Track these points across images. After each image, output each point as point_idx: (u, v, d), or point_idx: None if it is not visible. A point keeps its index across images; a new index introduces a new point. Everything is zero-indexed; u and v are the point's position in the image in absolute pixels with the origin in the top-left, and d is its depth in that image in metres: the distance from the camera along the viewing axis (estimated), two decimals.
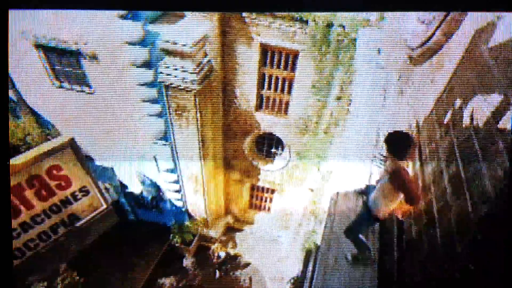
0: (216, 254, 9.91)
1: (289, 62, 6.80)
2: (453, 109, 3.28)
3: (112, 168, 9.32)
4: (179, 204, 10.10)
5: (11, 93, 7.76)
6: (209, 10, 5.80)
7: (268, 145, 8.80)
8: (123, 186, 9.99)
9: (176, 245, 10.19)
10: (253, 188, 10.00)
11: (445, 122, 3.41)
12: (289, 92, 7.26)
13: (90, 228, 4.94)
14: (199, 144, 7.82)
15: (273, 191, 9.76)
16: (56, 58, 7.15)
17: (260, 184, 9.56)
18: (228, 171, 9.61)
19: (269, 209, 10.45)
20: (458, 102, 3.19)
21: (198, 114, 7.10)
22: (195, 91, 6.54)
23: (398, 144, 3.00)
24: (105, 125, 8.00)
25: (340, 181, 5.50)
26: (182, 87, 6.53)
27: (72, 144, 4.51)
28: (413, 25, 4.39)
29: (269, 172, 9.04)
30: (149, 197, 10.21)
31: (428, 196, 3.21)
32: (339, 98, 6.43)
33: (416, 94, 4.60)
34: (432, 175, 3.31)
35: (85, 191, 4.74)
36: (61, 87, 7.58)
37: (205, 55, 6.65)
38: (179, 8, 5.23)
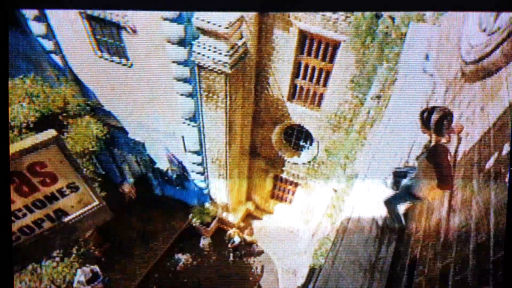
0: (231, 239, 9.71)
1: (328, 53, 6.24)
2: (498, 156, 2.73)
3: (143, 143, 9.25)
4: (202, 185, 9.96)
5: (58, 59, 7.76)
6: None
7: (297, 137, 8.34)
8: (152, 162, 9.95)
9: (195, 224, 10.08)
10: (276, 178, 9.62)
11: (486, 168, 2.91)
12: (325, 84, 6.72)
13: (80, 223, 4.73)
14: (226, 128, 7.50)
15: (296, 185, 9.33)
16: (99, 28, 7.05)
17: (284, 175, 9.15)
18: (253, 159, 9.27)
19: (290, 201, 10.06)
20: (507, 148, 2.64)
21: (228, 98, 6.74)
22: (227, 74, 6.18)
23: (434, 119, 3.00)
24: (140, 100, 7.85)
25: (364, 188, 5.01)
26: (214, 69, 6.18)
27: (58, 142, 4.18)
28: (472, 31, 3.75)
29: (294, 165, 8.60)
30: (174, 176, 10.12)
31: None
32: (378, 97, 5.82)
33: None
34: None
35: (73, 188, 4.49)
36: (102, 57, 7.50)
37: (241, 37, 6.24)
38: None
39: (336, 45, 5.98)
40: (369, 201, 4.41)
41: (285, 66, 6.73)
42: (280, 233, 10.12)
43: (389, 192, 3.82)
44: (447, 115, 3.02)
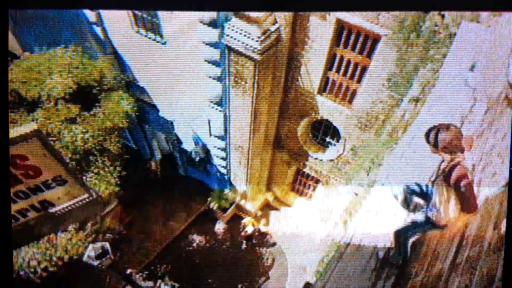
0: (245, 227, 9.59)
1: (367, 47, 5.76)
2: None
3: (172, 122, 9.24)
4: (223, 171, 9.85)
5: (99, 31, 7.78)
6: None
7: (324, 132, 7.95)
8: (179, 141, 9.95)
9: (213, 208, 10.04)
10: (298, 172, 9.30)
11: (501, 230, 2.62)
12: (360, 80, 6.26)
13: (67, 215, 4.64)
14: (251, 116, 7.25)
15: (318, 181, 8.98)
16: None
17: (306, 170, 8.82)
18: (277, 150, 8.99)
19: (310, 196, 9.74)
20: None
21: (255, 86, 6.46)
22: (256, 60, 5.88)
23: (441, 138, 2.82)
24: (171, 78, 7.76)
25: (376, 203, 4.62)
26: (244, 54, 5.90)
27: (38, 135, 4.01)
28: None
29: (318, 161, 8.24)
30: (197, 158, 10.08)
31: None
32: (416, 101, 5.31)
33: (498, 147, 3.50)
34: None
35: (60, 181, 4.37)
36: (138, 32, 7.44)
37: (274, 22, 5.89)
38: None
39: (376, 39, 5.50)
40: (376, 223, 4.06)
41: (319, 57, 6.33)
42: (296, 228, 9.87)
43: (401, 217, 3.47)
44: (456, 133, 2.83)
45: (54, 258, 5.65)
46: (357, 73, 6.21)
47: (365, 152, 6.77)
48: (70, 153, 6.44)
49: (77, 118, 6.89)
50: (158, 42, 7.36)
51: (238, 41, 5.78)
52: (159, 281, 8.79)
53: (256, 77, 6.27)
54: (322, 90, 6.87)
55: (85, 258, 4.84)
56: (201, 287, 8.80)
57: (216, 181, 10.39)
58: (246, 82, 6.51)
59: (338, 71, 6.44)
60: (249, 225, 9.51)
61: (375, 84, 5.91)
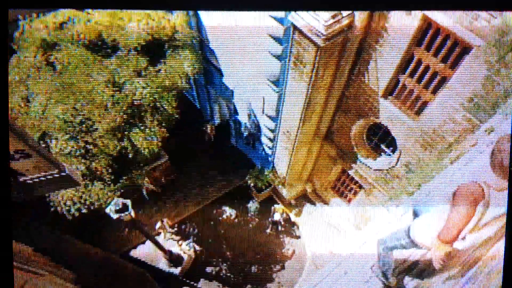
0: (274, 213, 9.26)
1: (453, 55, 4.73)
2: None
3: (232, 91, 9.02)
4: (268, 151, 9.50)
5: None
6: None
7: (380, 138, 7.07)
8: (235, 111, 9.77)
9: (249, 185, 9.83)
10: (343, 172, 8.57)
11: None
12: (435, 91, 5.27)
13: (37, 186, 4.48)
14: (304, 104, 6.64)
15: (360, 187, 8.18)
16: None
17: (351, 173, 8.06)
18: (326, 144, 8.31)
19: (350, 200, 9.00)
20: None
21: (314, 73, 5.80)
22: (319, 46, 5.19)
23: None
24: (237, 46, 7.41)
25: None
26: (307, 36, 5.24)
27: None
28: None
29: (366, 166, 7.43)
30: (246, 133, 9.84)
31: None
32: (491, 130, 4.25)
33: None
34: None
35: (23, 154, 4.16)
36: None
37: None
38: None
39: (466, 48, 4.46)
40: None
41: (393, 55, 5.42)
42: (326, 227, 9.29)
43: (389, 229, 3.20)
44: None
45: (88, 203, 5.90)
46: (434, 83, 5.20)
47: (419, 172, 5.85)
48: (125, 106, 6.47)
49: (142, 71, 6.88)
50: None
51: (304, 20, 5.12)
52: (182, 241, 8.98)
53: (316, 64, 5.60)
54: (388, 92, 5.97)
55: (107, 210, 4.94)
56: (218, 257, 8.82)
57: (260, 159, 10.10)
58: (304, 67, 5.87)
59: (412, 75, 5.48)
60: (277, 212, 9.15)
61: (452, 101, 4.90)
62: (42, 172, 4.20)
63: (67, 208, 5.82)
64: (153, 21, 7.39)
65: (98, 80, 6.43)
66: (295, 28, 5.45)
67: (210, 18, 7.57)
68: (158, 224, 8.98)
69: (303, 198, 10.10)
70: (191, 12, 7.87)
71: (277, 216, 9.09)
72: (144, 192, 9.34)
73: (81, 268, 7.85)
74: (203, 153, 10.41)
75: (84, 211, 5.93)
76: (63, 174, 4.42)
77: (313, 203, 9.93)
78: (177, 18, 7.77)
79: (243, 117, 9.57)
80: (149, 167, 9.27)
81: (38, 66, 6.64)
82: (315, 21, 5.00)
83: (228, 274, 8.42)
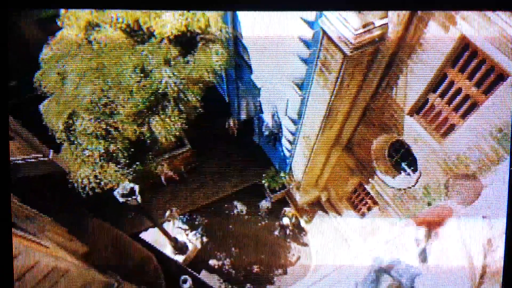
0: (282, 216, 9.15)
1: (487, 80, 4.40)
2: None
3: (260, 88, 8.99)
4: (287, 154, 9.38)
5: None
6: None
7: (402, 156, 6.76)
8: (260, 109, 9.74)
9: (264, 184, 9.76)
10: (360, 185, 8.30)
11: None
12: (464, 116, 4.95)
13: (21, 168, 4.51)
14: (325, 111, 6.46)
15: (375, 202, 7.90)
16: None
17: (368, 187, 7.79)
18: (345, 154, 8.08)
19: (363, 214, 8.72)
20: None
21: (338, 81, 5.61)
22: (346, 54, 5.00)
23: None
24: (267, 44, 7.33)
25: None
26: (335, 43, 5.06)
27: None
28: None
29: (383, 183, 7.15)
30: (266, 132, 9.78)
31: None
32: None
33: None
34: None
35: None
36: None
37: (385, 16, 4.86)
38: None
39: (502, 75, 4.12)
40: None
41: (425, 72, 5.13)
42: (335, 238, 9.06)
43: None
44: None
45: (102, 184, 6.07)
46: (465, 107, 4.88)
47: (437, 196, 5.54)
48: (149, 93, 6.55)
49: (172, 61, 6.94)
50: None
51: (334, 26, 4.94)
52: (190, 231, 9.08)
53: (342, 72, 5.40)
54: (415, 110, 5.68)
55: (114, 193, 5.04)
56: (223, 252, 8.84)
57: (278, 160, 10.01)
58: (330, 74, 5.69)
59: (442, 96, 5.17)
60: (286, 217, 9.03)
61: (481, 128, 4.58)
62: (25, 155, 4.32)
63: (82, 186, 6.01)
64: (189, 13, 7.40)
65: (128, 64, 6.56)
66: (324, 33, 5.28)
67: (245, 14, 7.51)
68: (168, 213, 9.13)
69: (316, 206, 9.91)
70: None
71: (286, 221, 8.98)
72: (163, 178, 9.52)
73: (95, 243, 8.15)
74: (225, 147, 10.45)
75: (97, 190, 6.09)
76: (46, 159, 4.52)
77: (325, 212, 9.72)
78: (212, 12, 7.74)
79: (267, 116, 9.51)
80: (170, 154, 9.45)
81: (79, 44, 6.83)
82: (344, 29, 4.82)
83: (230, 270, 8.43)
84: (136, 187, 5.07)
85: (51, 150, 4.50)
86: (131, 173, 6.06)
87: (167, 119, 6.68)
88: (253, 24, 7.48)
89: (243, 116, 10.71)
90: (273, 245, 9.04)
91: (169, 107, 6.73)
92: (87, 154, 5.73)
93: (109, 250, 8.50)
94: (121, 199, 5.04)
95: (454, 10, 4.07)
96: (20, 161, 4.44)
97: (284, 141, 9.29)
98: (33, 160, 4.43)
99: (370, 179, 7.57)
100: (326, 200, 9.79)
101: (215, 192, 10.16)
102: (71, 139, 5.72)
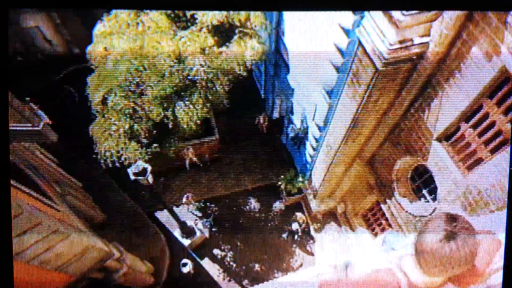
0: (293, 221, 9.06)
1: None
2: None
3: (293, 89, 8.97)
4: (309, 159, 9.29)
5: None
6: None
7: (424, 182, 6.46)
8: (291, 111, 9.72)
9: (280, 186, 9.73)
10: (377, 203, 8.03)
11: None
12: (494, 151, 4.63)
13: (11, 135, 4.58)
14: (350, 123, 6.30)
15: (390, 225, 7.61)
16: None
17: (384, 207, 7.52)
18: (367, 170, 7.84)
19: (376, 234, 8.44)
20: None
21: (367, 95, 5.45)
22: (378, 69, 4.83)
23: None
24: (305, 45, 7.27)
25: None
26: (368, 55, 4.90)
27: None
28: None
29: (400, 207, 6.87)
30: (293, 134, 9.72)
31: None
32: None
33: None
34: None
35: None
36: None
37: (426, 34, 4.64)
38: None
39: None
40: None
41: (461, 99, 4.85)
42: (344, 252, 8.84)
43: None
44: None
45: (122, 159, 6.34)
46: (496, 142, 4.56)
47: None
48: (179, 78, 6.70)
49: (206, 49, 7.04)
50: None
51: (370, 37, 4.79)
52: (201, 219, 9.24)
53: (371, 87, 5.24)
54: (444, 137, 5.39)
55: (128, 170, 5.25)
56: (228, 244, 8.93)
57: (300, 164, 9.93)
58: (359, 86, 5.54)
59: (475, 127, 4.86)
60: (295, 222, 8.94)
61: (508, 167, 4.26)
62: (15, 123, 4.52)
63: (104, 158, 6.31)
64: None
65: (165, 49, 6.75)
66: (360, 43, 5.14)
67: (291, 13, 7.46)
68: (184, 197, 9.34)
69: (331, 217, 9.71)
70: None
71: (294, 226, 8.90)
72: (187, 163, 9.77)
73: (114, 215, 8.54)
74: (252, 141, 10.51)
75: (117, 164, 6.38)
76: (36, 128, 4.67)
77: (339, 225, 9.51)
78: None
79: (296, 118, 9.45)
80: (199, 140, 9.67)
81: (129, 24, 7.13)
82: (380, 42, 4.65)
83: (232, 263, 8.51)
84: (149, 168, 5.25)
85: (42, 122, 4.72)
86: (149, 153, 6.27)
87: (191, 106, 6.81)
88: (296, 24, 7.42)
89: (276, 114, 10.71)
90: (279, 247, 9.01)
91: (195, 94, 6.86)
92: (113, 129, 6.01)
93: (124, 224, 8.87)
94: (132, 177, 5.24)
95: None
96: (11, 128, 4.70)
97: (308, 146, 9.19)
98: (24, 129, 4.67)
99: (387, 199, 7.31)
100: (342, 213, 9.57)
101: (234, 184, 10.24)
102: (103, 112, 6.01)
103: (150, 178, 5.23)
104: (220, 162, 10.41)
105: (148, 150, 6.34)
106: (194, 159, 9.88)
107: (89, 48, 6.94)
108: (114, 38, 6.97)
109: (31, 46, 9.46)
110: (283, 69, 8.89)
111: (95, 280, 5.21)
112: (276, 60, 9.07)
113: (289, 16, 7.55)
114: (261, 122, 10.46)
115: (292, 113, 9.67)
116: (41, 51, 9.46)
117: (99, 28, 6.76)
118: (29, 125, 4.80)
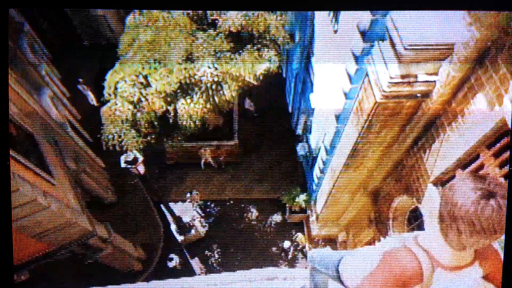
0: (287, 238, 8.88)
1: None
2: None
3: (313, 109, 8.95)
4: (316, 181, 9.12)
5: None
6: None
7: (418, 226, 6.09)
8: (309, 129, 9.69)
9: (282, 201, 9.61)
10: (374, 241, 7.68)
11: None
12: None
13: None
14: (350, 151, 6.12)
15: None
16: None
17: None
18: (369, 202, 7.55)
19: None
20: None
21: (366, 124, 5.28)
22: (377, 100, 4.68)
23: None
24: (326, 66, 7.27)
25: None
26: (371, 85, 4.76)
27: None
28: None
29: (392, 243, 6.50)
30: (304, 152, 9.63)
31: None
32: None
33: None
34: None
35: None
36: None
37: (435, 73, 4.44)
38: None
39: None
40: None
41: (460, 145, 4.55)
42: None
43: None
44: None
45: (122, 144, 6.60)
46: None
47: None
48: (186, 76, 6.82)
49: (219, 53, 7.15)
50: (331, 27, 6.73)
51: (375, 67, 4.66)
52: (201, 219, 9.34)
53: (371, 117, 5.07)
54: (440, 182, 5.07)
55: (121, 157, 5.46)
56: (219, 247, 8.93)
57: (308, 183, 9.78)
58: (361, 115, 5.38)
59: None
60: (293, 241, 8.75)
61: None
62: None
63: (106, 140, 6.62)
64: (253, 15, 7.32)
65: (179, 46, 6.86)
66: (367, 72, 5.02)
67: (323, 32, 7.41)
68: (189, 194, 9.50)
69: (331, 243, 9.40)
70: (308, 17, 7.74)
71: (286, 244, 8.73)
72: (202, 162, 9.96)
73: (123, 199, 8.86)
74: (274, 152, 10.52)
75: (117, 148, 6.64)
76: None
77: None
78: (273, 18, 7.60)
79: (313, 138, 9.37)
80: (218, 143, 9.83)
81: (156, 19, 7.46)
82: (383, 73, 4.51)
83: (215, 265, 8.50)
84: (140, 158, 5.42)
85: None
86: (144, 144, 6.47)
87: (192, 105, 6.92)
88: (324, 45, 7.38)
89: (299, 131, 10.64)
90: (269, 262, 8.86)
91: (198, 94, 6.94)
92: (117, 114, 6.30)
93: (131, 207, 9.17)
94: (123, 165, 5.44)
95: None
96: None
97: (316, 168, 9.04)
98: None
99: (381, 237, 6.96)
100: (343, 242, 9.26)
101: (241, 191, 10.26)
102: (112, 97, 6.34)
103: (141, 168, 5.40)
104: (236, 167, 10.46)
105: (143, 140, 6.53)
106: (210, 160, 10.04)
107: (120, 38, 7.36)
108: (141, 30, 7.26)
109: (97, 33, 10.17)
110: (309, 87, 8.86)
111: (75, 253, 5.45)
112: (304, 77, 9.05)
113: (320, 36, 7.53)
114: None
115: (310, 132, 9.57)
116: (107, 38, 10.02)
117: (130, 19, 7.13)
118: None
